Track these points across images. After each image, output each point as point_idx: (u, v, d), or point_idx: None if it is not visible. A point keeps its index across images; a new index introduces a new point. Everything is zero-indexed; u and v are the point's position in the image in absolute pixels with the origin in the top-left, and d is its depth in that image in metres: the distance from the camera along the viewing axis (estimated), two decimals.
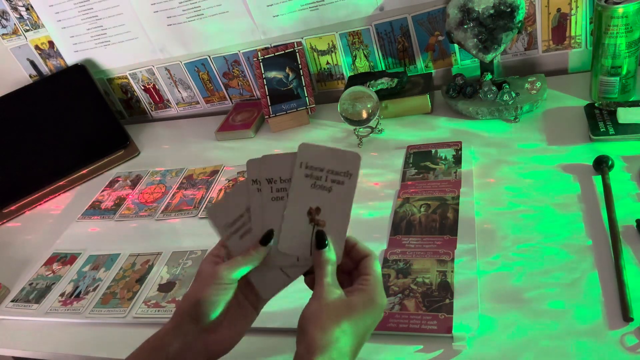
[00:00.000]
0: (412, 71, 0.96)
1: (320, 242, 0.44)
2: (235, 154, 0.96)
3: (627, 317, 0.48)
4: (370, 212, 0.70)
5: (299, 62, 0.98)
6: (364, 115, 0.82)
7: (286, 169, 0.46)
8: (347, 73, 1.00)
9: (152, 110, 1.21)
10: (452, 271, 0.57)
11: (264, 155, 0.47)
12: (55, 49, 1.14)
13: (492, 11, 0.76)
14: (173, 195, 0.90)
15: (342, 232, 0.45)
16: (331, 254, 0.44)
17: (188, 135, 1.10)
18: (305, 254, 0.46)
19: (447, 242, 0.61)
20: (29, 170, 1.04)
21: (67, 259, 0.82)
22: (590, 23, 0.82)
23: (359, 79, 0.94)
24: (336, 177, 0.45)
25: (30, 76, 1.20)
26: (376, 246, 0.64)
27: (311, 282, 0.46)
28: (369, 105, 0.82)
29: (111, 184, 1.00)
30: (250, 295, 0.48)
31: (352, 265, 0.46)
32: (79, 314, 0.70)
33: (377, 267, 0.44)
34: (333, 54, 0.99)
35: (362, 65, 0.98)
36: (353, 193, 0.44)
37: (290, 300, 0.62)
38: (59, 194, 1.03)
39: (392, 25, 0.92)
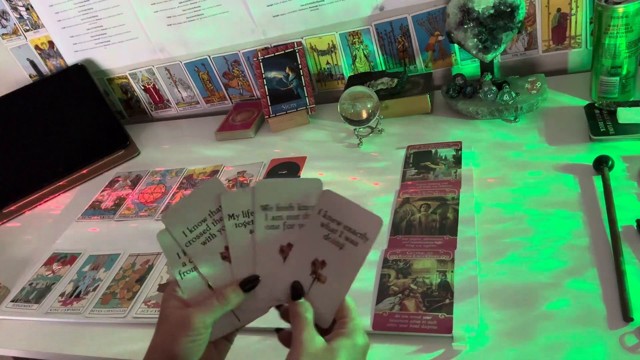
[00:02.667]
0: (412, 71, 0.96)
1: (296, 292, 0.41)
2: (235, 154, 0.96)
3: (627, 317, 0.48)
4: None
5: (299, 62, 0.98)
6: (364, 115, 0.82)
7: (288, 197, 0.43)
8: (347, 73, 1.00)
9: (152, 110, 1.21)
10: (452, 271, 0.57)
11: (265, 180, 0.46)
12: (55, 49, 1.14)
13: (492, 11, 0.76)
14: (173, 195, 0.90)
15: (340, 294, 0.41)
16: (307, 305, 0.41)
17: (188, 135, 1.10)
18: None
19: (447, 242, 0.61)
20: (28, 170, 1.04)
21: (67, 259, 0.82)
22: (591, 23, 0.82)
23: (359, 79, 0.94)
24: (352, 236, 0.41)
25: (30, 76, 1.20)
26: (376, 246, 0.64)
27: (286, 338, 0.43)
28: (369, 105, 0.82)
29: (111, 184, 1.00)
30: None
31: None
32: (79, 314, 0.70)
33: (354, 310, 0.41)
34: (333, 54, 0.99)
35: (362, 65, 0.98)
36: (364, 258, 0.40)
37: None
38: (58, 194, 1.03)
39: (392, 25, 0.92)
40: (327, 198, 0.42)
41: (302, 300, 0.41)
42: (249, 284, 0.42)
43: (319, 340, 0.38)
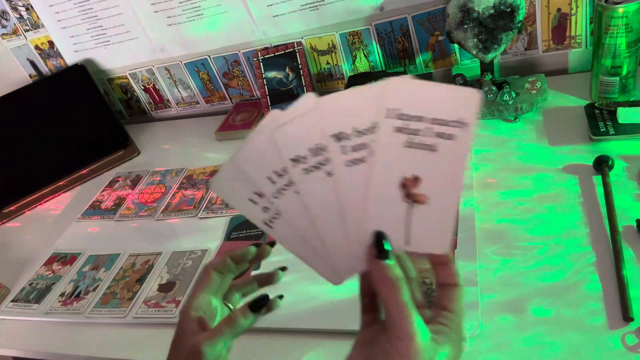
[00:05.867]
0: (412, 71, 0.96)
1: (380, 246, 0.32)
2: None
3: (627, 317, 0.48)
4: None
5: (299, 62, 0.98)
6: None
7: (365, 114, 0.31)
8: (347, 73, 1.00)
9: (152, 110, 1.21)
10: None
11: (327, 96, 0.31)
12: (55, 49, 1.14)
13: (492, 11, 0.76)
14: (173, 195, 0.90)
15: (451, 210, 0.32)
16: (399, 271, 0.31)
17: (188, 135, 1.10)
18: (401, 245, 0.33)
19: None
20: (28, 170, 1.04)
21: (67, 259, 0.82)
22: (591, 23, 0.82)
23: (359, 79, 0.94)
24: (443, 129, 0.30)
25: (30, 76, 1.20)
26: None
27: (369, 304, 0.35)
28: None
29: (111, 184, 1.00)
30: None
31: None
32: (79, 314, 0.70)
33: (462, 304, 0.33)
34: (333, 54, 0.99)
35: (362, 65, 0.98)
36: (468, 149, 0.30)
37: (289, 300, 0.62)
38: (58, 194, 1.03)
39: (392, 25, 0.92)
40: (395, 89, 0.31)
41: (390, 262, 0.31)
42: (257, 304, 0.41)
43: (426, 332, 0.30)
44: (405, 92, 0.31)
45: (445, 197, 0.32)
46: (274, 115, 0.32)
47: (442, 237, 0.32)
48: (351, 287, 0.60)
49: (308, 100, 0.31)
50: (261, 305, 0.41)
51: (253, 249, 0.44)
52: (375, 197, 0.32)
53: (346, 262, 0.33)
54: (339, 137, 0.31)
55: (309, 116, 0.31)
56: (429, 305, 0.35)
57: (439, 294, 0.34)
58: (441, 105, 0.30)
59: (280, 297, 0.46)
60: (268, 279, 0.47)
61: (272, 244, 0.45)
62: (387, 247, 0.32)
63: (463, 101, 0.30)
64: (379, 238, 0.32)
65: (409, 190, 0.32)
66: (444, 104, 0.30)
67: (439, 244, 0.33)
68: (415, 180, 0.31)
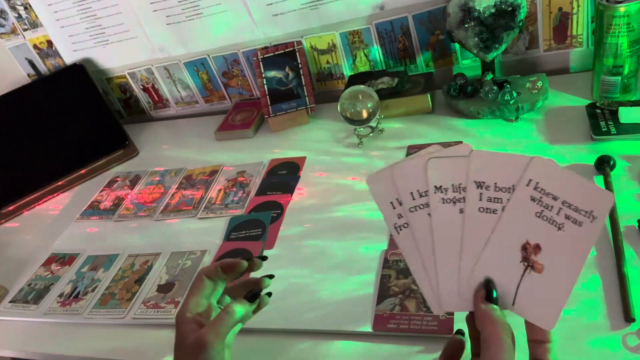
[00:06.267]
0: (413, 70, 0.96)
1: (489, 291, 0.34)
2: (235, 154, 0.95)
3: (629, 318, 0.48)
4: (371, 212, 0.70)
5: (299, 62, 0.97)
6: (364, 114, 0.82)
7: (507, 175, 0.34)
8: (347, 72, 1.00)
9: (151, 110, 1.21)
10: None
11: (478, 151, 0.35)
12: (53, 48, 1.14)
13: (493, 10, 0.76)
14: (172, 195, 0.89)
15: (565, 289, 0.34)
16: (503, 317, 0.33)
17: (187, 135, 1.10)
18: (507, 302, 0.35)
19: None
20: (27, 170, 1.04)
21: (65, 259, 0.82)
22: (592, 22, 0.82)
23: (359, 78, 0.94)
24: (573, 214, 0.33)
25: (28, 75, 1.20)
26: (377, 246, 0.64)
27: (474, 343, 0.37)
28: (369, 105, 0.82)
29: (110, 184, 0.99)
30: None
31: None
32: (77, 315, 0.70)
33: (553, 339, 0.35)
34: (333, 54, 0.98)
35: (363, 65, 0.98)
36: (593, 242, 0.33)
37: (289, 300, 0.61)
38: (57, 194, 1.02)
39: (393, 24, 0.92)
40: (539, 166, 0.34)
41: (495, 307, 0.34)
42: (252, 295, 0.45)
43: None
44: (549, 171, 0.34)
45: (562, 274, 0.34)
46: (435, 148, 0.36)
47: (549, 311, 0.34)
48: (352, 287, 0.59)
49: (466, 147, 0.35)
50: (256, 295, 0.45)
51: (245, 264, 0.47)
52: (495, 247, 0.35)
53: (451, 296, 0.36)
54: (480, 184, 0.35)
55: (462, 159, 0.35)
56: None
57: (531, 349, 0.35)
58: (578, 194, 0.33)
59: (270, 276, 0.49)
60: (257, 283, 0.48)
61: (263, 258, 0.48)
62: (494, 294, 0.34)
63: (598, 198, 0.33)
64: (489, 284, 0.35)
65: (529, 255, 0.34)
66: (581, 194, 0.33)
67: (545, 317, 0.34)
68: (537, 248, 0.34)
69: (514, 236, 0.34)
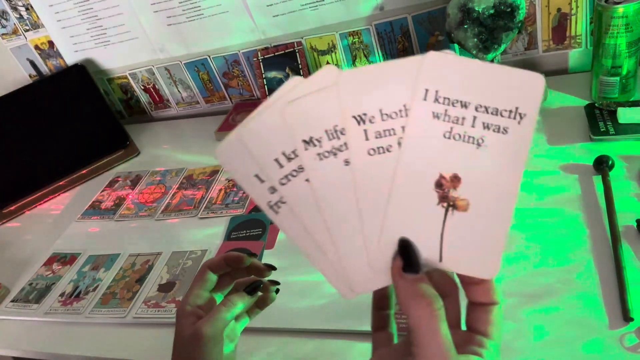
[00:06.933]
0: None
1: (408, 257, 0.26)
2: None
3: (627, 317, 0.48)
4: None
5: (299, 62, 0.98)
6: None
7: (394, 94, 0.25)
8: None
9: (151, 110, 1.21)
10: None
11: (346, 72, 0.26)
12: (55, 49, 1.14)
13: (492, 11, 0.76)
14: (173, 195, 0.90)
15: (501, 223, 0.26)
16: (430, 289, 0.25)
17: (188, 135, 1.10)
18: (432, 259, 0.27)
19: None
20: (28, 170, 1.04)
21: (66, 259, 0.82)
22: (591, 23, 0.82)
23: None
24: (493, 120, 0.25)
25: (30, 76, 1.20)
26: None
27: (382, 320, 0.31)
28: None
29: (111, 184, 1.00)
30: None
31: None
32: (78, 314, 0.70)
33: (501, 327, 0.27)
34: (333, 54, 0.98)
35: (362, 65, 0.98)
36: (526, 151, 0.25)
37: (289, 299, 0.62)
38: (58, 194, 1.03)
39: (392, 25, 0.92)
40: (434, 67, 0.25)
41: (415, 274, 0.25)
42: (252, 288, 0.43)
43: (453, 354, 0.24)
44: (448, 70, 0.24)
45: (493, 206, 0.25)
46: (288, 86, 0.27)
47: (487, 256, 0.26)
48: None
49: (329, 72, 0.26)
50: (256, 287, 0.43)
51: (248, 259, 0.45)
52: (402, 196, 0.26)
53: (362, 274, 0.27)
54: (361, 119, 0.25)
55: (328, 91, 0.25)
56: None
57: (470, 313, 0.28)
58: (493, 90, 0.24)
59: (277, 291, 0.47)
60: (261, 273, 0.47)
61: (271, 267, 0.46)
62: (415, 259, 0.26)
63: (522, 87, 0.24)
64: (405, 247, 0.26)
65: (446, 191, 0.26)
66: (497, 89, 0.24)
67: (483, 265, 0.26)
68: (455, 179, 0.25)
69: (422, 173, 0.26)
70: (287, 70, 0.99)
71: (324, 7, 0.93)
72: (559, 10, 0.83)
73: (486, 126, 0.25)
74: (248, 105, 1.08)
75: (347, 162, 0.26)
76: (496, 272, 0.26)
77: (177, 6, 1.00)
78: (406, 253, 0.26)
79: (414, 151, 0.25)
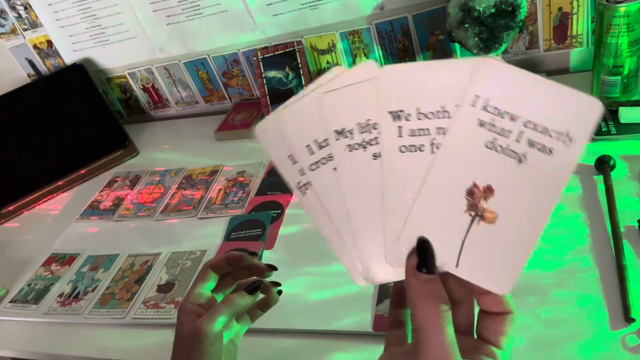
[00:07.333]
0: None
1: (423, 256, 0.26)
2: (235, 154, 0.95)
3: (628, 318, 0.48)
4: None
5: (299, 62, 0.97)
6: None
7: (438, 94, 0.25)
8: None
9: (151, 110, 1.21)
10: None
11: (390, 67, 0.26)
12: (53, 48, 1.14)
13: (493, 10, 0.76)
14: (172, 195, 0.89)
15: (525, 242, 0.25)
16: (440, 288, 0.25)
17: (187, 135, 1.10)
18: (448, 263, 0.26)
19: None
20: (27, 170, 1.04)
21: (65, 259, 0.82)
22: (592, 22, 0.82)
23: None
24: (540, 139, 0.24)
25: (28, 75, 1.20)
26: None
27: (399, 318, 0.31)
28: None
29: (110, 184, 0.99)
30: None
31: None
32: (77, 315, 0.70)
33: (512, 337, 0.27)
34: (333, 53, 0.98)
35: None
36: (567, 177, 0.24)
37: (289, 300, 0.61)
38: (57, 194, 1.02)
39: (393, 24, 0.92)
40: (488, 75, 0.24)
41: (430, 276, 0.25)
42: (252, 287, 0.43)
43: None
44: (503, 80, 0.24)
45: (521, 224, 0.25)
46: (329, 76, 0.27)
47: (504, 272, 0.25)
48: (352, 287, 0.59)
49: (370, 67, 0.26)
50: (257, 287, 0.43)
51: (249, 258, 0.45)
52: (431, 196, 0.26)
53: (376, 265, 0.28)
54: (397, 115, 0.25)
55: (366, 86, 0.25)
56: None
57: (481, 322, 0.28)
58: (547, 108, 0.23)
59: (279, 292, 0.47)
60: (261, 272, 0.47)
61: (272, 267, 0.46)
62: (431, 259, 0.26)
63: (577, 110, 0.24)
64: (423, 246, 0.26)
65: (476, 201, 0.25)
66: (551, 107, 0.23)
67: (498, 280, 0.26)
68: (488, 190, 0.25)
69: (456, 177, 0.25)
70: (286, 69, 0.98)
71: (324, 6, 0.92)
72: (560, 9, 0.83)
73: (531, 144, 0.24)
74: (248, 104, 1.08)
75: (375, 156, 0.26)
76: (509, 290, 0.26)
77: (177, 5, 0.99)
78: (423, 252, 0.26)
79: (452, 154, 0.25)
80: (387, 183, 0.26)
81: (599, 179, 0.64)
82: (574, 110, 0.24)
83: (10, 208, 1.00)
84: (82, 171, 1.04)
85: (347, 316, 0.57)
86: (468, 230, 0.25)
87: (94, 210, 0.93)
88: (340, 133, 0.27)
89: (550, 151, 0.24)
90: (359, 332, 0.55)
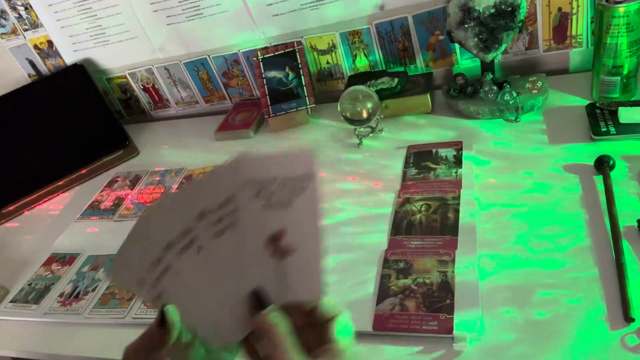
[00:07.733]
0: (413, 71, 0.96)
1: (258, 299, 0.34)
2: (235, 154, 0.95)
3: (628, 318, 0.48)
4: (371, 211, 0.70)
5: (299, 62, 0.97)
6: (364, 115, 0.82)
7: (222, 191, 0.33)
8: (348, 72, 1.00)
9: (151, 110, 1.21)
10: (453, 271, 0.57)
11: (185, 186, 0.36)
12: (54, 49, 1.14)
13: (493, 10, 0.76)
14: None
15: (317, 255, 0.35)
16: (277, 316, 0.33)
17: (187, 135, 1.10)
18: (280, 296, 0.35)
19: (448, 242, 0.61)
20: (27, 170, 1.04)
21: (66, 259, 0.82)
22: (592, 22, 0.82)
23: (359, 78, 0.94)
24: (294, 185, 0.34)
25: (29, 76, 1.20)
26: (376, 246, 0.64)
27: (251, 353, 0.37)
28: (369, 105, 0.82)
29: (110, 184, 0.99)
30: None
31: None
32: (78, 315, 0.70)
33: (344, 333, 0.35)
34: (333, 54, 0.98)
35: (363, 65, 0.98)
36: (320, 195, 0.35)
37: None
38: (57, 194, 1.03)
39: (393, 24, 0.92)
40: (244, 164, 0.33)
41: (268, 312, 0.33)
42: (162, 318, 0.37)
43: None
44: (255, 162, 0.34)
45: (310, 243, 0.35)
46: (149, 210, 0.36)
47: (314, 282, 0.35)
48: (351, 287, 0.59)
49: (167, 195, 0.35)
50: (164, 318, 0.35)
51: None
52: (245, 260, 0.34)
53: (233, 328, 0.35)
54: (201, 216, 0.33)
55: (173, 203, 0.34)
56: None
57: (323, 329, 0.35)
58: (287, 166, 0.34)
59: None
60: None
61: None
62: (265, 299, 0.34)
63: (302, 158, 0.34)
64: (256, 293, 0.34)
65: (277, 244, 0.35)
66: (289, 164, 0.34)
67: (313, 289, 0.36)
68: (282, 232, 0.35)
69: (256, 238, 0.34)
70: (287, 69, 0.98)
71: (324, 6, 0.92)
72: (559, 9, 0.83)
73: (290, 191, 0.34)
74: (248, 105, 1.08)
75: (199, 249, 0.33)
76: (321, 292, 0.35)
77: (177, 5, 0.99)
78: (255, 297, 0.34)
79: (246, 225, 0.34)
80: (215, 265, 0.34)
81: (598, 179, 0.64)
82: (300, 159, 0.35)
83: (11, 208, 1.00)
84: (83, 171, 1.04)
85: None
86: (279, 269, 0.35)
87: (94, 210, 0.93)
88: (167, 247, 0.33)
89: (302, 189, 0.34)
90: (359, 332, 0.55)
